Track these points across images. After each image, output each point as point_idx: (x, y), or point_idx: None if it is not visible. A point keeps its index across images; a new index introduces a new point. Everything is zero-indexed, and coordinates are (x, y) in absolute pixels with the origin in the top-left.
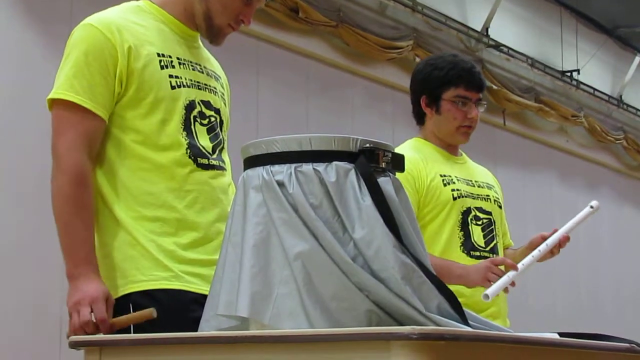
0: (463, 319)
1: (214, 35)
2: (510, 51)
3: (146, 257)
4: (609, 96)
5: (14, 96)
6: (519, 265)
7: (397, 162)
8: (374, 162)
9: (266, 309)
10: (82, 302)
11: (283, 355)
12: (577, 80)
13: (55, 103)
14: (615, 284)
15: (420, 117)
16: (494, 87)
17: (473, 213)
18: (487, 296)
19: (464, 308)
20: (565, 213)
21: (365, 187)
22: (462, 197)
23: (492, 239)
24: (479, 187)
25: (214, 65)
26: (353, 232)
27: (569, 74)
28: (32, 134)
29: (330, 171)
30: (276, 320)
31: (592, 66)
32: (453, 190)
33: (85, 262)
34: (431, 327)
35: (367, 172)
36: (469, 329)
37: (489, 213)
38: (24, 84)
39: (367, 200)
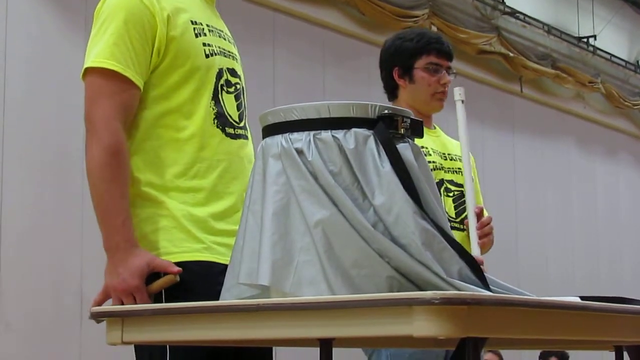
0: (484, 283)
1: None
2: (526, 18)
3: (178, 229)
4: (626, 62)
5: (29, 70)
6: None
7: (416, 128)
8: (393, 128)
9: (287, 277)
10: (124, 293)
11: (304, 323)
12: (593, 46)
13: (91, 71)
14: (634, 250)
15: (392, 92)
16: (511, 54)
17: (445, 185)
18: None
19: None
20: (584, 179)
21: (385, 154)
22: (437, 169)
23: (463, 210)
24: (451, 160)
25: (228, 30)
26: (373, 199)
27: (585, 40)
28: (48, 107)
29: (349, 138)
30: (297, 288)
31: (609, 32)
32: (429, 162)
33: (122, 232)
34: (453, 292)
35: (386, 138)
36: (490, 293)
37: (460, 186)
38: (40, 57)
39: (387, 167)
